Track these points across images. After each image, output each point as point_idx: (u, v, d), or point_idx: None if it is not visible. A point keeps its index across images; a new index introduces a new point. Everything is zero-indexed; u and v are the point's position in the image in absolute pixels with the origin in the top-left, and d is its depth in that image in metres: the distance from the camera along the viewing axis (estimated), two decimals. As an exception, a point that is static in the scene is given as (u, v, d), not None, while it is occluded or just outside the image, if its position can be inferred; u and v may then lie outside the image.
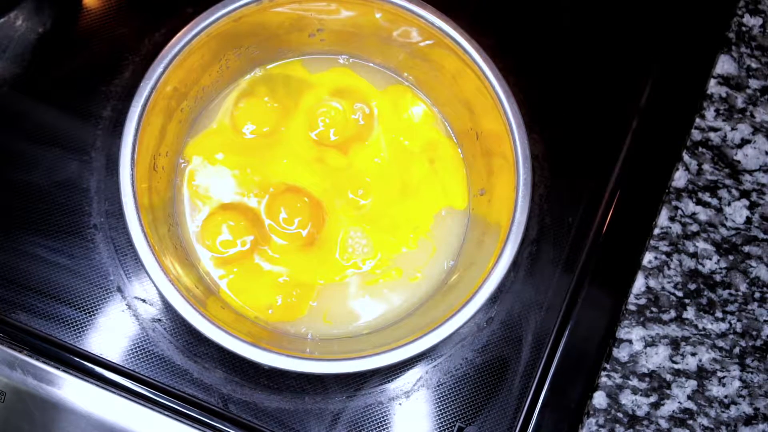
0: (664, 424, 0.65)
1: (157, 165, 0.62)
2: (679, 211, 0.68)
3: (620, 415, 0.65)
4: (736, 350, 0.66)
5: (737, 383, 0.65)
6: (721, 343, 0.66)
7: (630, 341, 0.65)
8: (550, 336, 0.66)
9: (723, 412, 0.65)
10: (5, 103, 0.68)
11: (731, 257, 0.67)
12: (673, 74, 0.70)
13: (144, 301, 0.64)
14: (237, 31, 0.61)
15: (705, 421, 0.65)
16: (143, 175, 0.59)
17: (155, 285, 0.55)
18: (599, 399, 0.65)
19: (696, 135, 0.69)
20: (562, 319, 0.66)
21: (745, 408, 0.65)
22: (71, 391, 0.62)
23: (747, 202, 0.68)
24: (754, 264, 0.67)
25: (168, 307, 0.63)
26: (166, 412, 0.62)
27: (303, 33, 0.66)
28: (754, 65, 0.69)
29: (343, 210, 0.66)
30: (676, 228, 0.67)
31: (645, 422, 0.64)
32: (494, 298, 0.66)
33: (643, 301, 0.66)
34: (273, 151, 0.67)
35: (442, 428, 0.64)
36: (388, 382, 0.65)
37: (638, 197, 0.68)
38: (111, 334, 0.64)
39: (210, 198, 0.65)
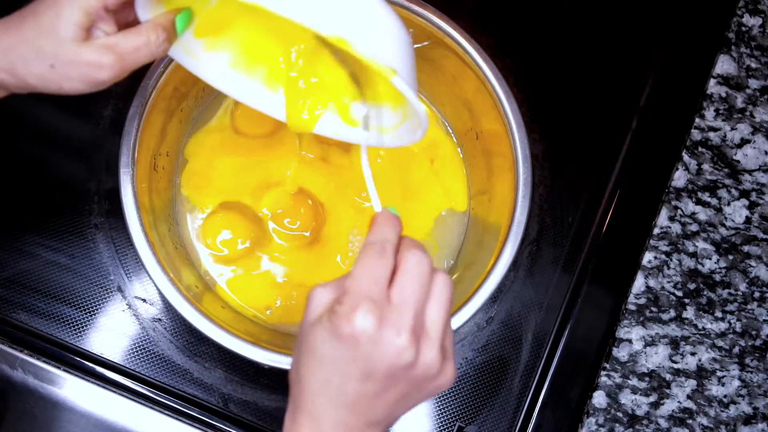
0: (663, 423, 0.64)
1: (158, 165, 0.62)
2: (679, 211, 0.67)
3: (620, 414, 0.64)
4: (736, 350, 0.66)
5: (737, 383, 0.65)
6: (720, 343, 0.66)
7: (630, 341, 0.65)
8: (550, 335, 0.66)
9: (722, 411, 0.65)
10: (6, 103, 0.67)
11: (731, 257, 0.67)
12: (672, 74, 0.70)
13: (144, 300, 0.64)
14: (237, 31, 0.61)
15: (704, 421, 0.65)
16: (143, 175, 0.59)
17: (155, 284, 0.55)
18: (599, 398, 0.65)
19: (696, 135, 0.69)
20: (562, 319, 0.66)
21: (745, 407, 0.65)
22: (72, 390, 0.62)
23: (746, 202, 0.68)
24: (753, 264, 0.67)
25: (168, 307, 0.63)
26: (167, 412, 0.62)
27: (303, 33, 0.66)
28: (753, 65, 0.69)
29: (345, 212, 0.66)
30: (676, 228, 0.67)
31: (645, 421, 0.64)
32: (494, 298, 0.66)
33: (642, 301, 0.66)
34: (274, 150, 0.67)
35: (441, 428, 0.64)
36: (388, 381, 0.65)
37: (638, 197, 0.68)
38: (111, 333, 0.63)
39: (210, 197, 0.65)
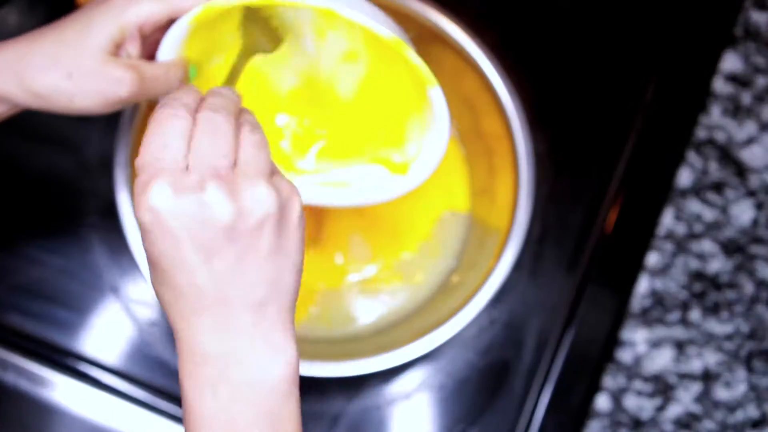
0: (669, 427, 0.64)
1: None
2: (684, 211, 0.67)
3: (624, 418, 0.64)
4: (743, 352, 0.65)
5: (744, 386, 0.65)
6: (727, 346, 0.65)
7: (634, 343, 0.65)
8: (554, 337, 0.65)
9: (729, 415, 0.65)
10: None
11: (737, 258, 0.67)
12: (678, 71, 0.70)
13: (140, 302, 0.64)
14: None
15: (711, 425, 0.64)
16: (140, 175, 0.59)
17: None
18: (603, 402, 0.64)
19: (701, 133, 0.68)
20: (566, 321, 0.66)
21: (752, 412, 0.65)
22: (65, 393, 0.62)
23: (753, 202, 0.67)
24: (760, 265, 0.67)
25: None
26: (163, 415, 0.62)
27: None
28: (760, 62, 0.69)
29: (345, 211, 0.66)
30: (681, 228, 0.67)
31: (650, 425, 0.64)
32: (496, 299, 0.66)
33: (647, 303, 0.66)
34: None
35: (443, 431, 0.64)
36: (389, 384, 0.65)
37: (643, 197, 0.68)
38: (106, 335, 0.64)
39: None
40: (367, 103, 0.50)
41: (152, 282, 0.36)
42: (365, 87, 0.50)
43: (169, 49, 0.46)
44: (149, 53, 0.46)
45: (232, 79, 0.45)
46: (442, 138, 0.47)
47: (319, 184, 0.52)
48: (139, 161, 0.35)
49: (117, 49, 0.43)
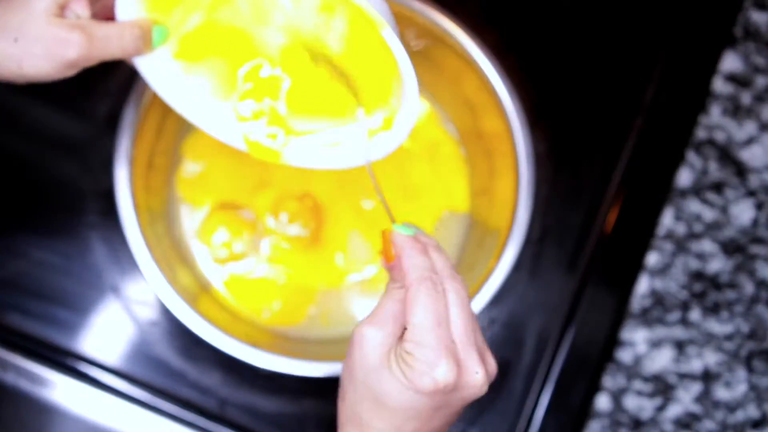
0: (669, 427, 0.64)
1: (154, 163, 0.62)
2: (684, 211, 0.67)
3: (624, 418, 0.64)
4: (743, 352, 0.65)
5: (744, 386, 0.65)
6: (727, 346, 0.65)
7: (634, 343, 0.65)
8: (554, 337, 0.65)
9: (729, 415, 0.64)
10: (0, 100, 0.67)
11: (737, 258, 0.66)
12: (678, 72, 0.70)
13: (140, 302, 0.64)
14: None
15: (711, 425, 0.64)
16: (140, 173, 0.59)
17: (151, 286, 0.55)
18: (603, 402, 0.64)
19: (701, 133, 0.68)
20: (566, 321, 0.66)
21: (752, 412, 0.65)
22: (65, 393, 0.62)
23: (753, 202, 0.67)
24: (760, 265, 0.66)
25: (164, 309, 0.63)
26: (163, 415, 0.62)
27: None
28: (760, 62, 0.69)
29: (344, 212, 0.66)
30: (681, 228, 0.67)
31: (650, 425, 0.64)
32: (496, 300, 0.65)
33: (647, 303, 0.66)
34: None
35: (443, 431, 0.64)
36: (389, 384, 0.64)
37: (643, 197, 0.68)
38: (106, 335, 0.63)
39: (208, 197, 0.65)
40: (356, 60, 0.49)
41: (352, 403, 0.40)
42: (351, 44, 0.49)
43: (126, 8, 0.44)
44: (108, 16, 0.45)
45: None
46: (411, 83, 0.45)
47: (311, 144, 0.51)
48: (423, 336, 0.38)
49: (62, 11, 0.43)
